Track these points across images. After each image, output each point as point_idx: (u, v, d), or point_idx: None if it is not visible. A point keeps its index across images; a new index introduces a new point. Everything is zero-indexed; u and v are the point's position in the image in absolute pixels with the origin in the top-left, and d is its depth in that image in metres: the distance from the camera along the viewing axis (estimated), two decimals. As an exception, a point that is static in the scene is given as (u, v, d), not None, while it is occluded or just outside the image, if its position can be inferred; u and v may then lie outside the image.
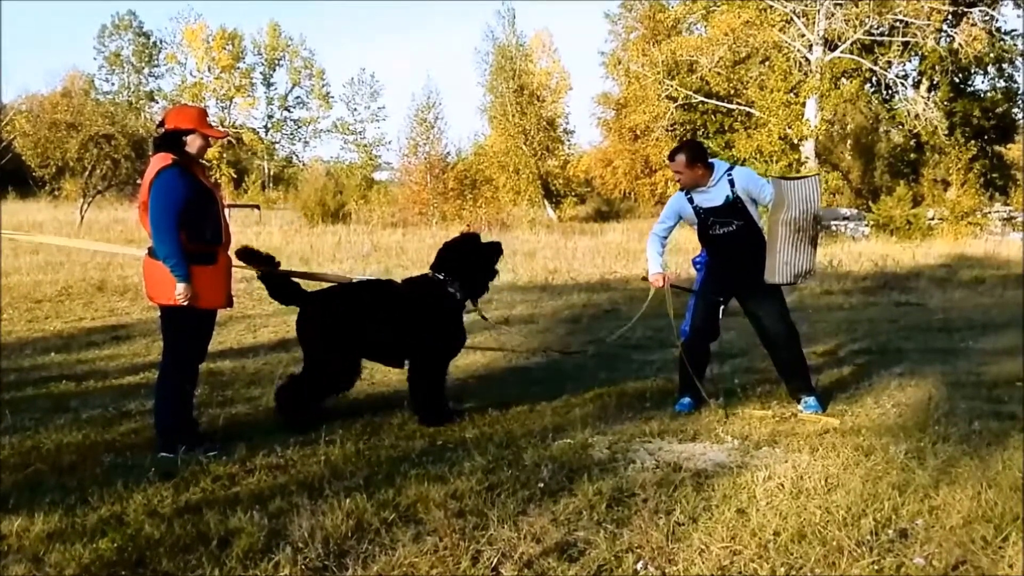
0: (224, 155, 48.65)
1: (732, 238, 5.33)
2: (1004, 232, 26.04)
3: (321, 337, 4.92)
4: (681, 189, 5.45)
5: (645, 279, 5.73)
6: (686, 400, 5.43)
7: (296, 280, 5.21)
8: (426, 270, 5.29)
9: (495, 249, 5.29)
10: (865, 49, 28.43)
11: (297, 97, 62.53)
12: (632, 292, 11.01)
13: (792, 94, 25.05)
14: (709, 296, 5.52)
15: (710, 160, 5.38)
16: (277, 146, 62.29)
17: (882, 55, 28.24)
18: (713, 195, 5.31)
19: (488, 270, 5.26)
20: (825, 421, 5.00)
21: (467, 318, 5.35)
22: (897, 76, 29.24)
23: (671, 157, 5.40)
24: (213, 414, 5.21)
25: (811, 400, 5.33)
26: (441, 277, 5.11)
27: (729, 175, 5.31)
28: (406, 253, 16.36)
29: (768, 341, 5.47)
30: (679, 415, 5.16)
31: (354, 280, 5.51)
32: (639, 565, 3.07)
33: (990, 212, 28.26)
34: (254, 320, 9.12)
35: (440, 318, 5.05)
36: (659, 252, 5.54)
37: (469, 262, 5.17)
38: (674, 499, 3.64)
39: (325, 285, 5.37)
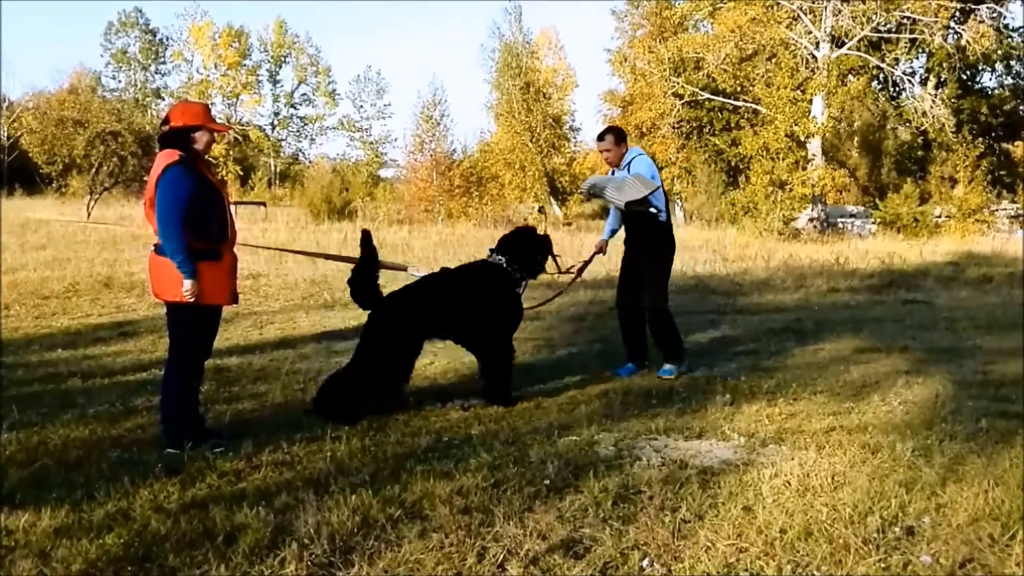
0: (230, 152, 48.73)
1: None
2: (1011, 230, 26.01)
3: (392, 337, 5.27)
4: (610, 167, 6.46)
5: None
6: (629, 365, 6.36)
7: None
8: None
9: (546, 239, 6.10)
10: (872, 46, 28.35)
11: (303, 94, 62.55)
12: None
13: (799, 91, 24.95)
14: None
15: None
16: (283, 143, 62.28)
17: (889, 52, 28.17)
18: (621, 175, 6.30)
19: (542, 253, 5.95)
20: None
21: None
22: (904, 73, 29.17)
23: (600, 138, 6.45)
24: (219, 410, 5.23)
25: (668, 367, 6.22)
26: (503, 262, 5.73)
27: (629, 161, 6.29)
28: (412, 250, 16.35)
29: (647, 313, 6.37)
30: (684, 412, 5.15)
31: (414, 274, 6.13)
32: (645, 562, 3.07)
33: (997, 210, 28.25)
34: (260, 317, 9.14)
35: (500, 296, 5.63)
36: (611, 224, 6.61)
37: (526, 247, 5.88)
38: (680, 496, 3.64)
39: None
